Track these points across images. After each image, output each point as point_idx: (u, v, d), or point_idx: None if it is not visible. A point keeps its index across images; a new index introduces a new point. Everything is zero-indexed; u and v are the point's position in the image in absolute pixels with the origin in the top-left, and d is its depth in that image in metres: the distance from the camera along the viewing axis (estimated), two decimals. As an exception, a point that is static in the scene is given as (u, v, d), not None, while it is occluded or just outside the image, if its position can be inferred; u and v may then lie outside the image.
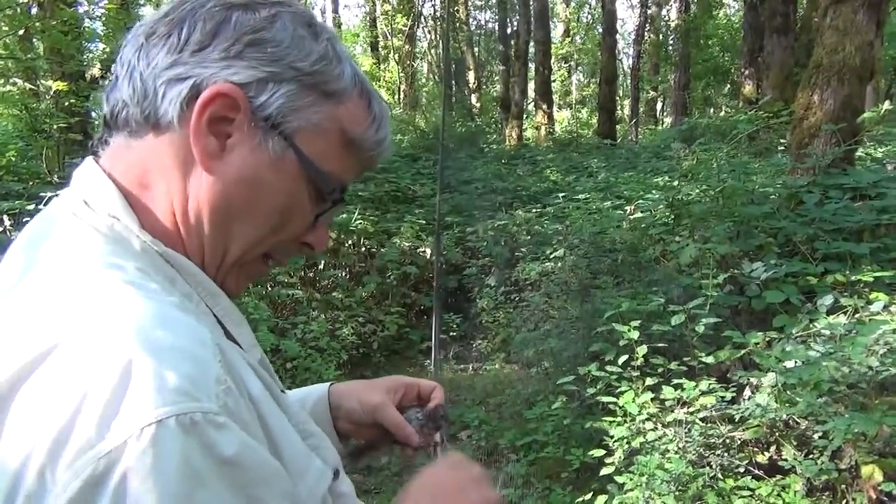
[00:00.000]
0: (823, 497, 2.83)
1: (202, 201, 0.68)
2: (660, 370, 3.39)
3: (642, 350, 3.37)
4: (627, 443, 3.09)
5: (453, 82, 19.03)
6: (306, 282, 6.44)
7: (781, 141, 8.32)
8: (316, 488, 0.68)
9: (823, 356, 2.96)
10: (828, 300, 3.57)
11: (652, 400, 3.23)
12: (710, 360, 3.37)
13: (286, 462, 0.63)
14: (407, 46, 19.89)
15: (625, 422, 3.22)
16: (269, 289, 5.85)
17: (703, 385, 3.20)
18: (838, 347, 2.79)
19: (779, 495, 2.74)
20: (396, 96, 19.08)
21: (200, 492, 0.50)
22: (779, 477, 2.92)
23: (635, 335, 3.34)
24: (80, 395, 0.50)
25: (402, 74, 19.47)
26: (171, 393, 0.51)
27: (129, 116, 0.67)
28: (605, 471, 3.09)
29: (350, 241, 7.12)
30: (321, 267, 6.66)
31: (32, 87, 7.66)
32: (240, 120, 0.67)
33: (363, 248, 7.23)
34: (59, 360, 0.53)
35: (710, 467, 2.89)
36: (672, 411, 3.19)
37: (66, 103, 6.82)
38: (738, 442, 3.12)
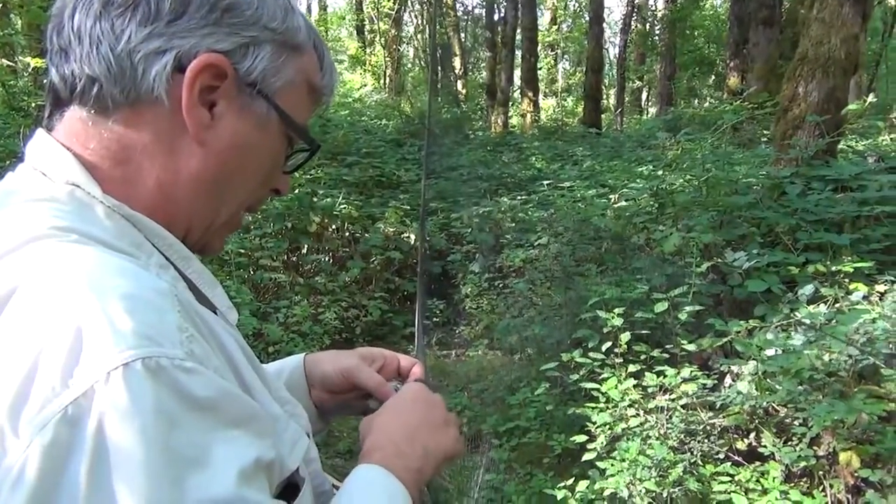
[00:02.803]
0: (801, 483, 2.86)
1: (194, 173, 0.67)
2: (642, 357, 3.41)
3: (625, 337, 3.39)
4: (610, 429, 3.11)
5: (439, 68, 18.93)
6: (289, 266, 6.40)
7: (765, 132, 8.38)
8: (296, 449, 0.68)
9: (804, 345, 2.99)
10: (808, 290, 3.60)
11: (634, 387, 3.25)
12: (692, 347, 3.40)
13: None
14: (393, 30, 19.72)
15: (607, 408, 3.24)
16: (252, 273, 5.81)
17: (685, 372, 3.22)
18: (819, 336, 2.82)
19: (758, 481, 2.77)
20: (382, 81, 18.94)
21: (177, 434, 0.49)
22: (757, 463, 2.96)
23: (619, 322, 3.35)
24: (34, 350, 0.49)
25: (387, 59, 19.32)
26: (132, 337, 0.50)
27: (102, 94, 0.65)
28: (587, 456, 3.10)
29: (334, 226, 7.08)
30: (304, 251, 6.62)
31: (10, 63, 7.50)
32: (225, 88, 0.67)
33: (347, 233, 7.20)
34: (9, 317, 0.52)
35: (691, 453, 2.92)
36: (654, 398, 3.22)
37: (45, 80, 6.67)
38: (719, 428, 3.15)
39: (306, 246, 6.63)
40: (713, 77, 20.14)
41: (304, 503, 0.68)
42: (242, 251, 5.66)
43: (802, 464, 2.77)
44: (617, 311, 3.38)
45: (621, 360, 3.36)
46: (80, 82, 0.65)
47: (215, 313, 0.70)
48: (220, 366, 0.59)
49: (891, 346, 2.60)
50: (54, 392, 0.48)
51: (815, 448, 2.80)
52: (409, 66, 24.86)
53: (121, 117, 0.65)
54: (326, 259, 6.76)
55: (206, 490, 0.50)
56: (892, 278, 3.61)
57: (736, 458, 2.99)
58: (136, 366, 0.49)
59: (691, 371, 3.25)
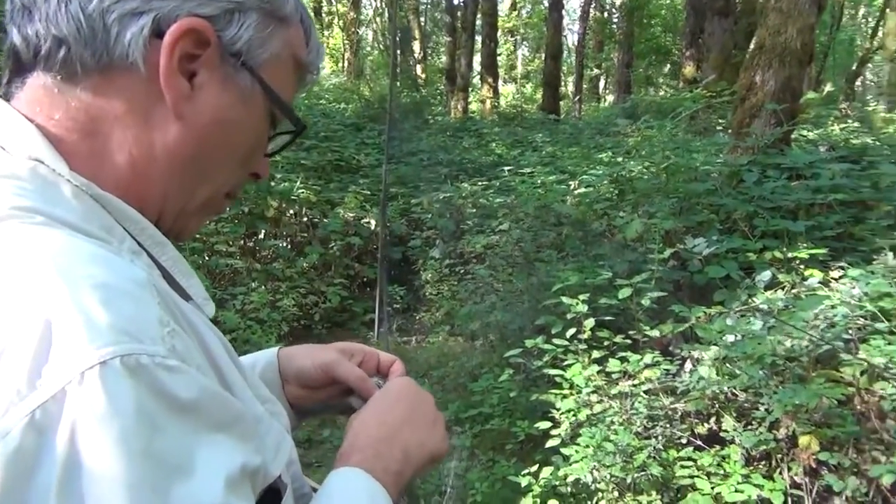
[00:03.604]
0: (760, 466, 2.91)
1: (170, 148, 0.61)
2: (605, 343, 3.42)
3: (589, 323, 3.39)
4: (574, 415, 3.11)
5: (399, 52, 18.73)
6: (246, 251, 6.25)
7: (720, 121, 8.53)
8: (280, 453, 0.63)
9: (765, 330, 3.03)
10: (766, 276, 3.66)
11: (598, 373, 3.26)
12: (654, 333, 3.42)
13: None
14: (352, 13, 19.43)
15: (571, 394, 3.24)
16: (207, 258, 5.66)
17: (648, 358, 3.24)
18: (780, 322, 2.86)
19: (719, 465, 2.81)
20: (340, 64, 18.67)
21: (159, 439, 0.45)
22: (718, 447, 2.99)
23: (583, 308, 3.35)
24: None
25: (346, 42, 19.03)
26: (108, 332, 0.45)
27: (70, 58, 0.58)
28: (550, 443, 3.10)
29: (292, 211, 6.95)
30: (261, 236, 6.48)
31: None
32: (207, 56, 0.61)
33: (305, 218, 7.07)
34: None
35: (656, 439, 2.94)
36: (617, 384, 3.23)
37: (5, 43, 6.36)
38: (680, 413, 3.18)
39: (263, 231, 6.49)
40: (669, 66, 20.42)
41: None
42: (197, 236, 5.49)
43: (762, 447, 2.81)
44: (581, 297, 3.38)
45: (585, 347, 3.36)
46: (45, 44, 0.58)
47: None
48: (202, 363, 0.54)
49: (850, 331, 2.65)
50: (20, 395, 0.42)
51: (774, 432, 2.85)
52: (368, 49, 24.56)
53: (90, 84, 0.59)
54: (284, 244, 6.64)
55: (192, 499, 0.45)
56: (845, 264, 3.69)
57: (698, 442, 3.02)
58: (115, 364, 0.44)
59: (653, 357, 3.27)
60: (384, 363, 0.93)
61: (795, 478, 2.75)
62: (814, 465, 2.66)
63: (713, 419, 3.19)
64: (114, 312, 0.46)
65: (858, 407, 2.56)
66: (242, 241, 6.27)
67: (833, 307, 2.75)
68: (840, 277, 3.52)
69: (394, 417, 0.77)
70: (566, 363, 3.37)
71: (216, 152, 0.65)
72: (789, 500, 2.66)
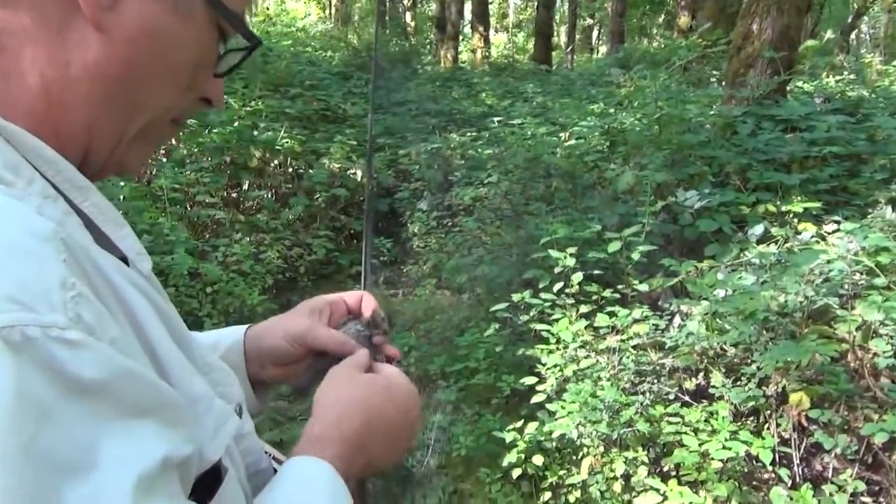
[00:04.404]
0: (748, 422, 2.88)
1: (91, 68, 0.52)
2: (593, 298, 3.35)
3: (577, 277, 3.32)
4: (560, 370, 3.06)
5: (387, -1, 18.22)
6: (228, 202, 6.11)
7: (714, 72, 8.36)
8: (220, 434, 0.57)
9: (759, 285, 2.97)
10: (758, 230, 3.60)
11: (585, 328, 3.20)
12: (643, 287, 3.35)
13: (176, 389, 0.52)
14: (338, -43, 18.80)
15: (558, 349, 3.18)
16: (188, 209, 5.52)
17: (637, 313, 3.18)
18: (775, 277, 2.79)
19: (707, 421, 2.77)
20: (327, 11, 18.16)
21: (48, 429, 0.37)
22: (705, 403, 2.96)
23: (571, 262, 3.27)
24: None
25: (332, -13, 18.48)
26: None
27: None
28: (536, 398, 3.06)
29: (276, 161, 6.78)
30: (245, 187, 6.33)
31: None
32: None
33: (290, 169, 6.91)
34: None
35: (643, 395, 2.90)
36: (605, 339, 3.18)
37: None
38: (668, 369, 3.14)
39: (247, 182, 6.34)
40: (663, 16, 20.01)
41: (228, 494, 0.56)
42: (177, 186, 5.36)
43: (751, 404, 2.78)
44: (570, 250, 3.29)
45: (573, 301, 3.29)
46: None
47: (126, 263, 0.55)
48: (122, 335, 0.46)
49: (846, 287, 2.58)
50: None
51: (763, 388, 2.82)
52: (356, -5, 23.86)
53: None
54: (268, 196, 6.49)
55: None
56: (839, 219, 3.63)
57: (685, 398, 2.99)
58: None
59: (642, 312, 3.21)
60: (352, 305, 0.88)
61: (784, 434, 2.73)
62: (803, 423, 2.64)
63: (701, 375, 3.16)
64: (2, 274, 0.38)
65: (852, 364, 2.51)
66: (225, 192, 6.12)
67: (830, 262, 2.68)
68: (834, 232, 3.45)
69: (376, 419, 0.71)
70: (553, 318, 3.31)
71: (149, 72, 0.55)
72: (777, 456, 2.64)
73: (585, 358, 3.11)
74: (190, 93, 0.61)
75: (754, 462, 2.77)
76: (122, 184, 5.08)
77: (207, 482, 0.54)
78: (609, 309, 3.26)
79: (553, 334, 3.24)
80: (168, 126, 0.62)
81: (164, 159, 5.81)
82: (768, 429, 2.78)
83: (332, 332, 0.82)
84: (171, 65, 0.56)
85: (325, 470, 0.63)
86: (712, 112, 4.89)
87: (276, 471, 0.76)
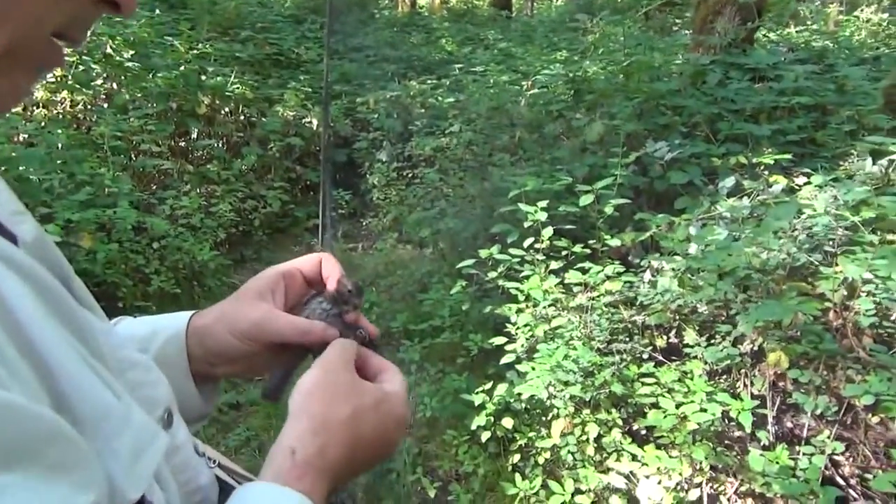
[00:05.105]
0: (721, 380, 2.83)
1: None
2: (563, 253, 3.23)
3: (548, 232, 3.18)
4: (530, 330, 2.95)
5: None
6: (176, 152, 5.76)
7: (677, 21, 8.22)
8: (141, 462, 0.44)
9: (734, 241, 2.88)
10: (729, 182, 3.50)
11: (556, 285, 3.08)
12: (615, 242, 3.24)
13: (78, 416, 0.40)
14: None
15: (527, 307, 3.06)
16: (132, 159, 5.18)
17: (609, 269, 3.07)
18: (752, 232, 2.70)
19: (681, 381, 2.70)
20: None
21: None
22: (678, 361, 2.89)
23: (543, 216, 3.12)
24: None
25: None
26: None
27: None
28: (506, 359, 2.94)
29: (226, 108, 6.42)
30: (194, 136, 5.98)
31: None
32: None
33: (242, 117, 6.57)
34: None
35: (616, 354, 2.80)
36: (576, 296, 3.06)
37: None
38: (640, 326, 3.05)
39: (195, 130, 5.98)
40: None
41: None
42: (120, 134, 5.00)
43: (726, 363, 2.71)
44: (541, 203, 3.15)
45: (543, 257, 3.16)
46: None
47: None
48: None
49: (831, 242, 2.50)
50: None
51: (738, 346, 2.75)
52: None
53: None
54: (219, 145, 6.16)
55: None
56: (809, 170, 3.56)
57: (659, 357, 2.91)
58: None
59: (614, 269, 3.10)
60: (310, 274, 0.73)
61: (757, 394, 2.67)
62: (779, 383, 2.59)
63: (673, 332, 3.08)
64: None
65: (834, 323, 2.45)
66: (172, 141, 5.77)
67: (813, 217, 2.58)
68: (805, 185, 3.38)
69: (363, 451, 0.60)
70: (523, 274, 3.18)
71: None
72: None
73: (556, 317, 3.00)
74: (69, 1, 0.43)
75: (726, 421, 2.72)
76: (59, 131, 4.74)
77: None
78: (579, 265, 3.15)
79: (522, 292, 3.11)
80: (48, 44, 0.44)
81: (105, 105, 5.43)
82: (746, 389, 2.72)
83: (291, 320, 0.67)
84: None
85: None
86: (679, 61, 4.75)
87: (221, 483, 0.64)
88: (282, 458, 0.54)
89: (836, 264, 2.61)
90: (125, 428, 0.44)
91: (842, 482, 2.58)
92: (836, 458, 2.54)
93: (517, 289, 3.12)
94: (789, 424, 2.84)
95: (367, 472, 0.62)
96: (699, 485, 2.67)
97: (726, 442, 2.80)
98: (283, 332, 0.66)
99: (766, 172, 3.53)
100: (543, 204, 3.18)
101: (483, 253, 3.28)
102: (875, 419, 2.31)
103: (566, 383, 2.73)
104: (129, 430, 0.44)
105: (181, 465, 0.55)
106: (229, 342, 0.67)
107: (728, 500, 2.69)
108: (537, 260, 3.21)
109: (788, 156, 3.57)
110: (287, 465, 0.54)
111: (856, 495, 2.43)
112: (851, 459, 2.69)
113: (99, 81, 5.43)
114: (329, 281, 0.71)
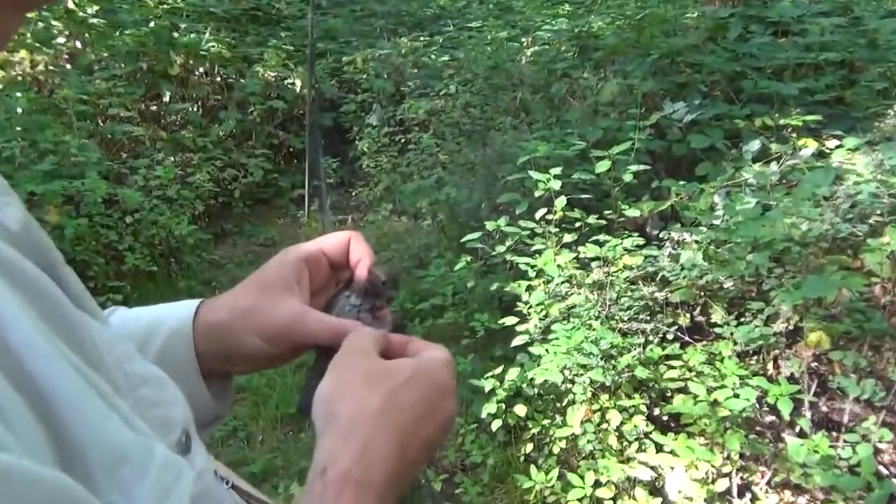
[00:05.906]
0: (751, 362, 2.59)
1: None
2: (577, 225, 2.96)
3: (561, 202, 2.89)
4: (544, 309, 2.68)
5: None
6: (147, 117, 5.41)
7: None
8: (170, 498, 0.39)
9: (763, 210, 2.63)
10: (755, 146, 3.24)
11: (570, 260, 2.81)
12: (633, 213, 2.97)
13: (90, 465, 0.35)
14: None
15: (539, 285, 2.79)
16: (100, 125, 4.81)
17: (628, 242, 2.80)
18: (792, 201, 2.43)
19: (709, 363, 2.46)
20: None
21: None
22: (705, 342, 2.65)
23: (557, 185, 2.84)
24: None
25: None
26: None
27: None
28: (518, 340, 2.68)
29: (201, 69, 6.05)
30: (166, 99, 5.61)
31: None
32: None
33: (218, 78, 6.21)
34: None
35: (639, 334, 2.55)
36: (592, 272, 2.80)
37: None
38: (662, 303, 2.80)
39: (168, 93, 5.62)
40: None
41: None
42: (85, 97, 4.63)
43: (759, 342, 2.47)
44: (554, 171, 2.86)
45: (557, 230, 2.88)
46: None
47: None
48: None
49: (880, 212, 2.24)
50: None
51: (771, 325, 2.52)
52: None
53: None
54: (194, 109, 5.81)
55: None
56: (841, 132, 3.30)
57: (685, 338, 2.66)
58: None
59: (633, 241, 2.83)
60: (335, 257, 0.66)
61: (795, 376, 2.44)
62: (816, 365, 2.37)
63: (698, 310, 2.84)
64: None
65: (882, 300, 2.21)
66: (143, 105, 5.42)
67: (857, 184, 2.32)
68: (837, 148, 3.12)
69: (414, 437, 0.51)
70: (534, 248, 2.90)
71: None
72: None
73: (572, 295, 2.73)
74: None
75: (758, 407, 2.49)
76: (18, 94, 4.37)
77: None
78: (593, 238, 2.88)
79: (534, 267, 2.84)
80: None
81: (69, 65, 5.04)
82: (778, 370, 2.49)
83: (323, 319, 0.61)
84: None
85: None
86: (694, 14, 4.43)
87: None
88: (313, 482, 0.48)
89: (884, 235, 2.39)
90: (146, 470, 0.38)
91: (884, 471, 2.39)
92: (877, 445, 2.34)
93: (528, 264, 2.85)
94: (824, 409, 2.64)
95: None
96: (728, 475, 2.46)
97: (757, 429, 2.59)
98: (317, 335, 0.60)
99: (794, 135, 3.27)
100: (557, 171, 2.88)
101: (490, 225, 3.01)
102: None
103: (585, 367, 2.49)
104: (150, 473, 0.38)
105: (202, 494, 0.46)
106: (255, 344, 0.61)
107: (761, 490, 2.48)
108: (549, 232, 2.93)
109: (817, 117, 3.30)
110: (318, 488, 0.47)
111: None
112: (893, 447, 2.50)
113: (61, 40, 5.06)
114: (359, 267, 0.64)
